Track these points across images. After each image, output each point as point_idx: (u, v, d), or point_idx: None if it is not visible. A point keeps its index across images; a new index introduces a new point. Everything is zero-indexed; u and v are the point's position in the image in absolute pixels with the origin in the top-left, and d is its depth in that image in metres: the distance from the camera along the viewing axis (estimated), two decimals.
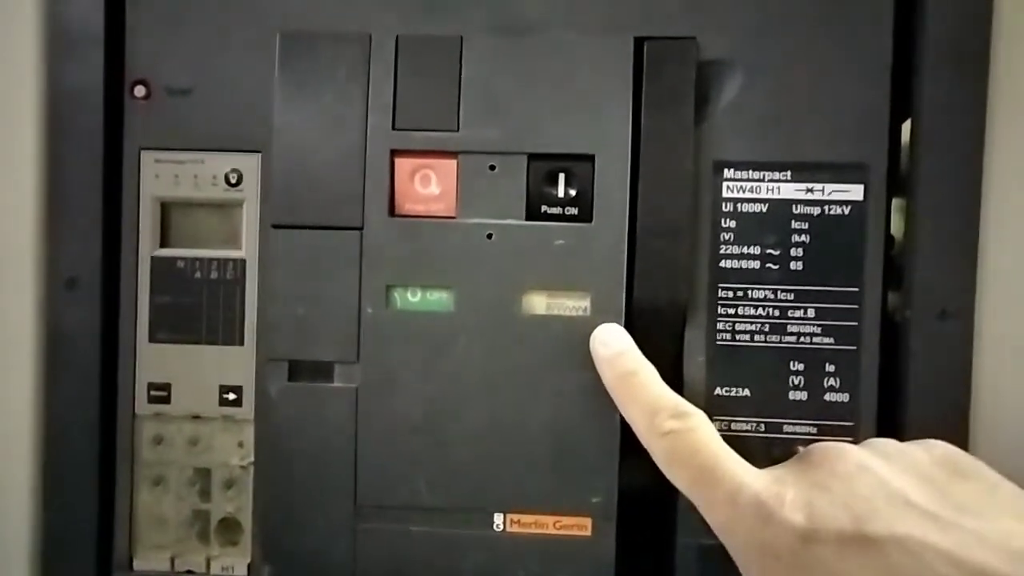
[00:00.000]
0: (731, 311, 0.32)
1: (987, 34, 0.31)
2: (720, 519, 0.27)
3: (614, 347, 0.31)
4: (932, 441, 0.28)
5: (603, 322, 0.31)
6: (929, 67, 0.31)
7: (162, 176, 0.34)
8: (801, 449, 0.30)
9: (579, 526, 0.32)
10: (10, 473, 0.34)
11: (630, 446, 0.32)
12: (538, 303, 0.32)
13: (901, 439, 0.31)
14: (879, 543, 0.23)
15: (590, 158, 0.32)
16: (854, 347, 0.32)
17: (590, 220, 0.32)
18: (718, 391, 0.32)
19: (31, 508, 0.34)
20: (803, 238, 0.32)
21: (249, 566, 0.35)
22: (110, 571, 0.35)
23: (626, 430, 0.31)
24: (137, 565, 0.35)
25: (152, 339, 0.35)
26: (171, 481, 0.35)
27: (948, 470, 0.26)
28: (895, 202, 0.33)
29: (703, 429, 0.28)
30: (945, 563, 0.23)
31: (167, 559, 0.35)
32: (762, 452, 0.32)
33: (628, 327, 0.31)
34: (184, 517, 0.35)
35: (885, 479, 0.25)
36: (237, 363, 0.35)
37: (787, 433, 0.32)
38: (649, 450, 0.29)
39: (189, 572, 0.35)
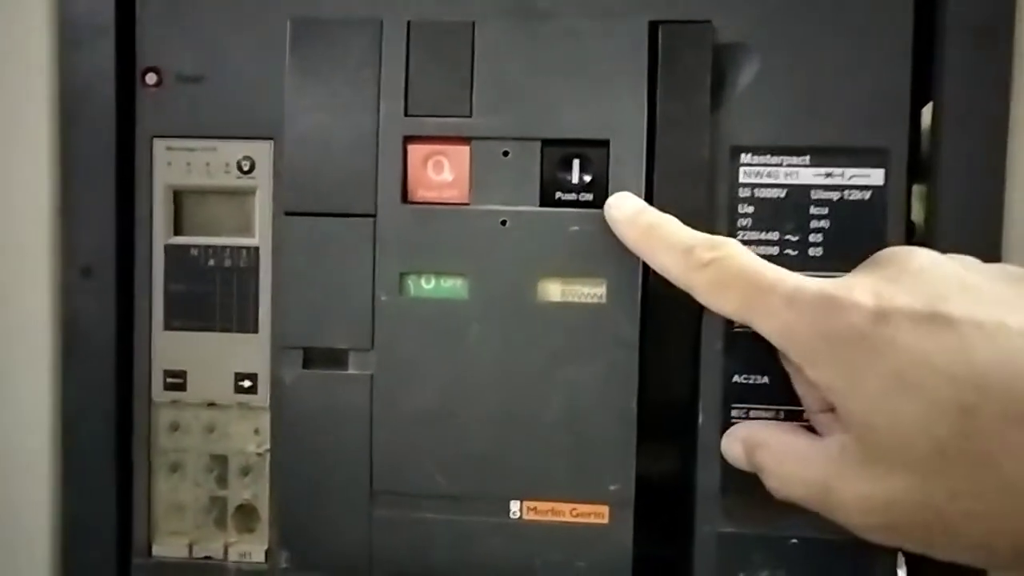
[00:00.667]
0: None
1: (1011, 16, 0.30)
2: (779, 324, 0.26)
3: (630, 207, 0.30)
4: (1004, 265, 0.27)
5: (619, 309, 0.31)
6: (951, 49, 0.31)
7: (175, 164, 0.34)
8: None
9: (596, 514, 0.32)
10: (29, 461, 0.35)
11: (647, 433, 0.32)
12: (553, 290, 0.32)
13: None
14: (955, 323, 0.23)
15: (605, 143, 0.31)
16: None
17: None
18: (736, 379, 0.32)
19: (51, 496, 0.35)
20: (822, 224, 0.32)
21: (266, 552, 0.35)
22: (129, 558, 0.35)
23: (643, 416, 0.31)
24: (156, 551, 0.36)
25: (167, 327, 0.35)
26: (188, 468, 0.35)
27: (1004, 272, 0.25)
28: (915, 189, 0.33)
29: (743, 252, 0.27)
30: (1022, 338, 0.22)
31: (185, 546, 0.35)
32: None
33: (644, 314, 0.31)
34: (201, 504, 0.35)
35: (957, 272, 0.25)
36: (252, 350, 0.35)
37: (806, 420, 0.32)
38: (690, 288, 0.28)
39: (207, 558, 0.35)
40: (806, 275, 0.31)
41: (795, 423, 0.29)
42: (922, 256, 0.26)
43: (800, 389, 0.29)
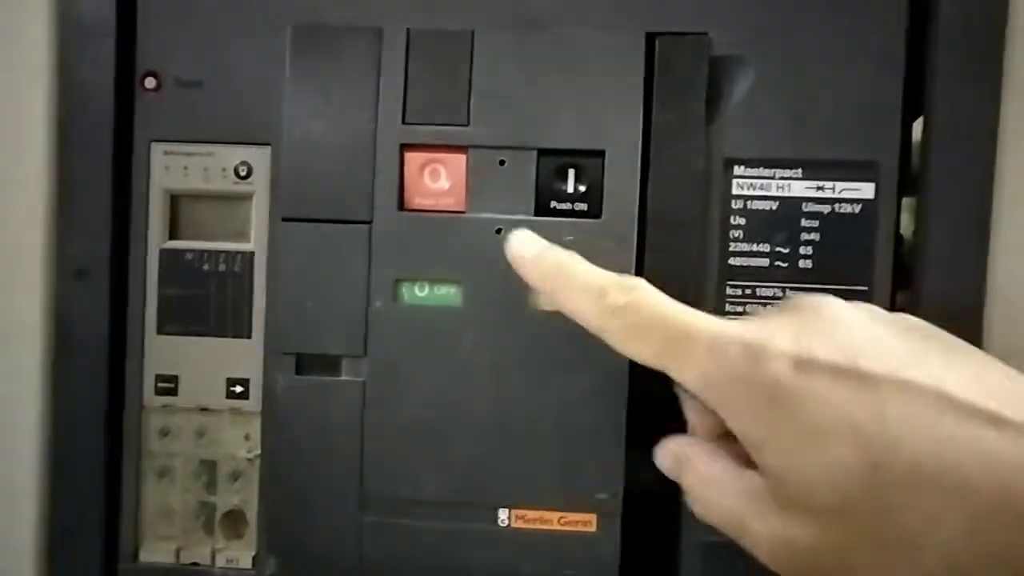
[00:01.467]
0: (740, 309, 0.32)
1: (1001, 31, 0.31)
2: (699, 374, 0.25)
3: (533, 248, 0.29)
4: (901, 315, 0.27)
5: None
6: (942, 65, 0.31)
7: (172, 168, 0.34)
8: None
9: (584, 522, 0.32)
10: (17, 464, 0.34)
11: (636, 442, 0.32)
12: (546, 299, 0.32)
13: None
14: (876, 381, 0.23)
15: (600, 154, 0.32)
16: None
17: (599, 216, 0.32)
18: None
19: (38, 499, 0.34)
20: (813, 236, 0.32)
21: (254, 558, 0.35)
22: (116, 563, 0.35)
23: (632, 426, 0.31)
24: (143, 557, 0.35)
25: (160, 331, 0.35)
26: (177, 473, 0.35)
27: (919, 331, 0.25)
28: (905, 201, 0.33)
29: (656, 294, 0.27)
30: (935, 397, 0.22)
31: (172, 551, 0.35)
32: None
33: None
34: (190, 509, 0.35)
35: (868, 325, 0.25)
36: (245, 356, 0.35)
37: None
38: (603, 333, 0.27)
39: (194, 564, 0.35)
40: (796, 288, 0.32)
41: (720, 446, 0.28)
42: (832, 306, 0.26)
43: (691, 416, 0.29)
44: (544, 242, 0.30)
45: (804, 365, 0.23)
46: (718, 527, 0.26)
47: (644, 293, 0.27)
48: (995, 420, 0.22)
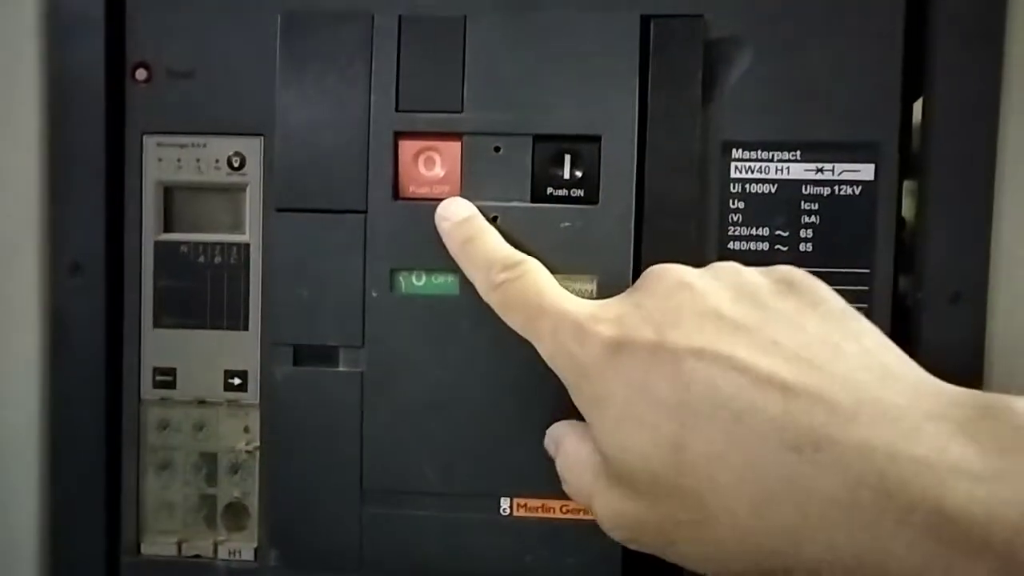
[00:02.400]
0: None
1: (1001, 10, 0.31)
2: (547, 350, 0.27)
3: (455, 217, 0.31)
4: (781, 267, 0.27)
5: None
6: (942, 44, 0.31)
7: (165, 160, 0.34)
8: None
9: (586, 510, 0.32)
10: (17, 459, 0.34)
11: None
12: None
13: None
14: (678, 353, 0.23)
15: (596, 139, 0.31)
16: None
17: (596, 202, 0.31)
18: None
19: (38, 494, 0.34)
20: (813, 219, 0.32)
21: (256, 550, 0.35)
22: (118, 556, 0.35)
23: None
24: (144, 550, 0.35)
25: (157, 324, 0.35)
26: (177, 466, 0.35)
27: (778, 287, 0.25)
28: (906, 185, 0.33)
29: (533, 273, 0.28)
30: (734, 370, 0.22)
31: (174, 544, 0.35)
32: None
33: None
34: (191, 502, 0.35)
35: (701, 294, 0.25)
36: (242, 348, 0.34)
37: None
38: (492, 305, 0.29)
39: (196, 557, 0.35)
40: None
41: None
42: (672, 277, 0.26)
43: None
44: (470, 211, 0.31)
45: (619, 346, 0.24)
46: (580, 505, 0.28)
47: (522, 271, 0.28)
48: (785, 389, 0.22)
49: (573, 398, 0.26)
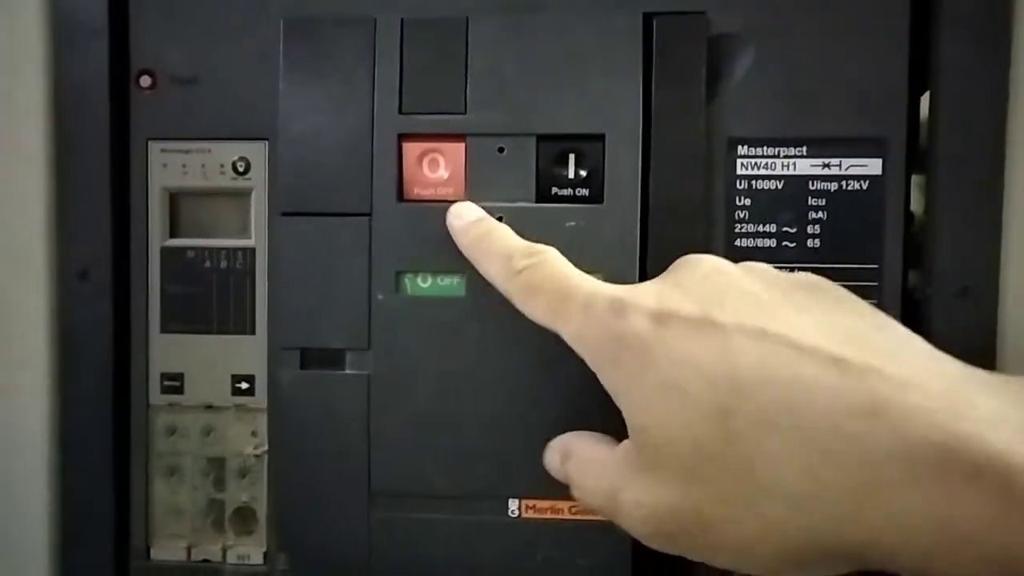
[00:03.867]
0: None
1: (1008, 4, 0.30)
2: (574, 328, 0.26)
3: (469, 216, 0.31)
4: (804, 273, 0.27)
5: None
6: (948, 37, 0.31)
7: (170, 166, 0.34)
8: None
9: (594, 512, 0.32)
10: (27, 465, 0.34)
11: None
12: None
13: None
14: (723, 328, 0.23)
15: (600, 138, 0.31)
16: None
17: (601, 201, 0.31)
18: None
19: (48, 500, 0.35)
20: (820, 215, 0.31)
21: (265, 555, 0.35)
22: (127, 561, 0.35)
23: None
24: (154, 555, 0.35)
25: (164, 329, 0.35)
26: (186, 471, 0.35)
27: (804, 286, 0.26)
28: (915, 179, 0.32)
29: (555, 259, 0.28)
30: (783, 345, 0.23)
31: (183, 549, 0.35)
32: None
33: None
34: (199, 507, 0.35)
35: (738, 278, 0.25)
36: (249, 352, 0.34)
37: None
38: (509, 295, 0.28)
39: (205, 561, 0.35)
40: (805, 269, 0.31)
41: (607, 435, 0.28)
42: (708, 263, 0.26)
43: None
44: (480, 213, 0.31)
45: (662, 318, 0.24)
46: (597, 511, 0.27)
47: (544, 258, 0.28)
48: (837, 361, 0.22)
49: (604, 377, 0.26)
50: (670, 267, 0.28)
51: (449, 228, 0.31)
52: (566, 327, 0.27)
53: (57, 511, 0.35)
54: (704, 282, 0.25)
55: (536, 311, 0.28)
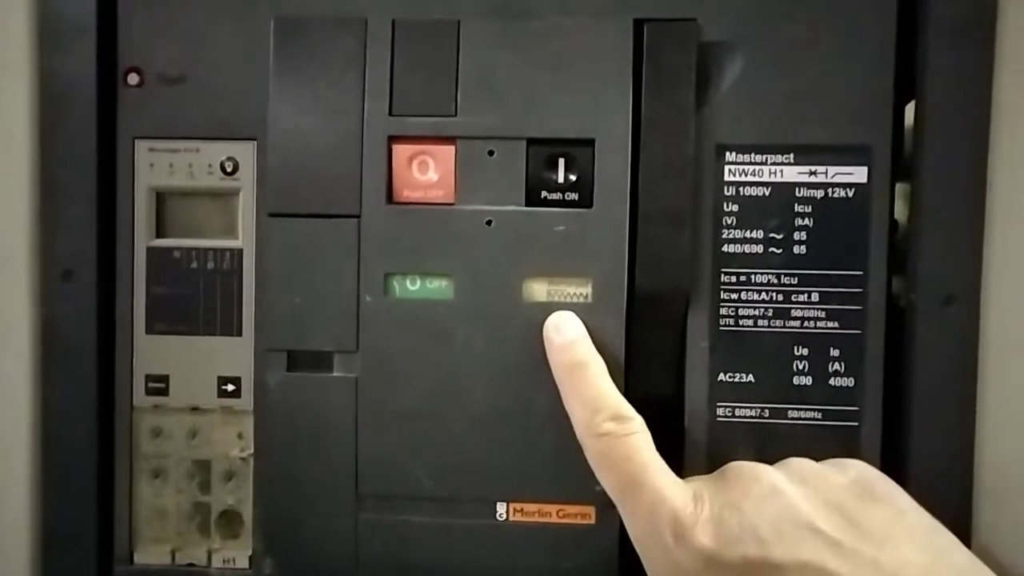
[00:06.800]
0: (734, 296, 0.32)
1: (992, 13, 0.31)
2: (638, 530, 0.28)
3: (567, 335, 0.30)
4: (848, 461, 0.29)
5: (605, 309, 0.31)
6: (934, 47, 0.31)
7: (157, 165, 0.34)
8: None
9: (582, 514, 0.32)
10: (9, 467, 0.34)
11: None
12: (539, 290, 0.32)
13: (908, 425, 0.31)
14: (781, 569, 0.25)
15: (590, 142, 0.31)
16: (859, 331, 0.32)
17: (590, 205, 0.31)
18: (721, 377, 0.32)
19: (30, 502, 0.34)
20: (806, 221, 0.32)
21: (251, 558, 0.35)
22: (111, 565, 0.35)
23: None
24: (138, 559, 0.35)
25: (149, 330, 0.34)
26: (170, 474, 0.35)
27: (859, 493, 0.27)
28: (899, 188, 0.33)
29: (639, 436, 0.28)
30: None
31: (168, 553, 0.35)
32: (766, 439, 0.32)
33: (630, 314, 0.31)
34: (184, 510, 0.35)
35: (795, 503, 0.26)
36: (235, 354, 0.34)
37: (792, 419, 0.32)
38: (583, 446, 0.29)
39: (190, 565, 0.35)
40: (791, 274, 0.32)
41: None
42: (765, 481, 0.27)
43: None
44: (579, 332, 0.30)
45: (716, 560, 0.25)
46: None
47: (628, 429, 0.28)
48: None
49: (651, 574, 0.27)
50: (723, 470, 0.29)
51: (545, 339, 0.31)
52: (630, 522, 0.28)
53: (40, 514, 0.34)
54: (761, 505, 0.26)
55: (605, 483, 0.29)
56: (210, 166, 0.34)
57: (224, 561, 0.35)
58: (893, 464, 0.31)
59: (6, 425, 0.34)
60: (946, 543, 0.26)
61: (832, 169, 0.32)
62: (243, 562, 0.35)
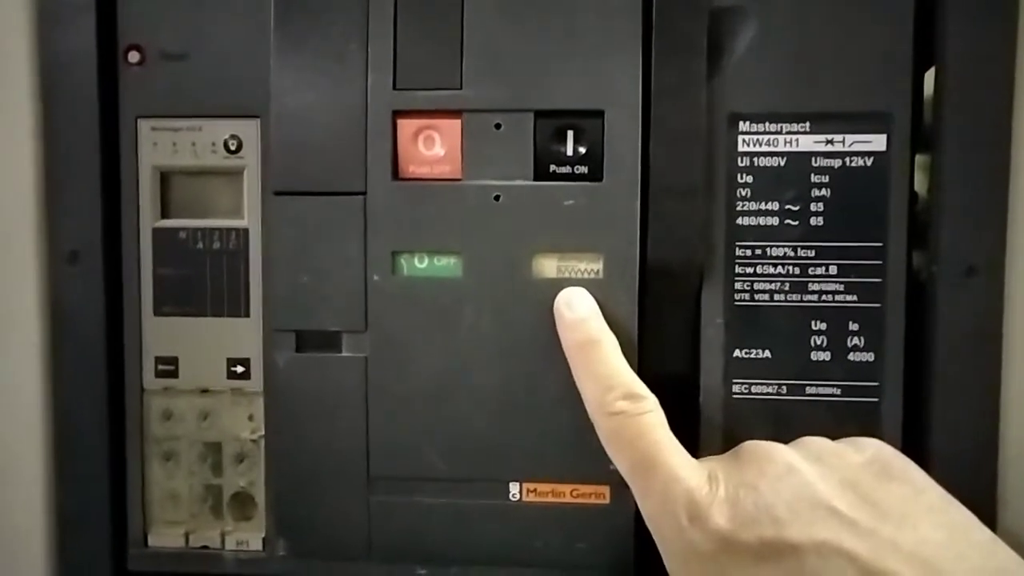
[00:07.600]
0: (749, 270, 0.31)
1: None
2: (652, 510, 0.27)
3: (579, 312, 0.30)
4: (864, 440, 0.28)
5: (617, 285, 0.31)
6: (953, 11, 0.30)
7: (160, 144, 0.34)
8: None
9: (597, 494, 0.32)
10: (21, 452, 0.34)
11: None
12: (548, 266, 0.31)
13: (929, 401, 0.30)
14: (798, 549, 0.24)
15: (599, 114, 0.31)
16: (878, 304, 0.31)
17: (601, 179, 0.31)
18: (737, 353, 0.31)
19: (44, 487, 0.34)
20: (823, 192, 0.31)
21: (264, 540, 0.35)
22: (125, 548, 0.35)
23: None
24: (152, 542, 0.35)
25: (157, 312, 0.34)
26: (182, 456, 0.35)
27: (876, 472, 0.27)
28: (919, 159, 0.32)
29: (652, 415, 0.28)
30: (857, 569, 0.24)
31: (181, 535, 0.35)
32: (783, 416, 0.31)
33: (642, 289, 0.31)
34: (196, 492, 0.35)
35: (811, 482, 0.26)
36: (244, 335, 0.34)
37: (810, 395, 0.31)
38: (595, 425, 0.29)
39: (204, 547, 0.35)
40: (808, 247, 0.31)
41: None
42: (780, 460, 0.27)
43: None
44: (591, 308, 0.30)
45: (732, 540, 0.25)
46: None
47: (641, 408, 0.28)
48: None
49: (668, 565, 0.27)
50: (737, 449, 0.28)
51: (556, 316, 0.30)
52: (643, 501, 0.28)
53: (53, 499, 0.34)
54: (777, 485, 0.26)
55: (617, 463, 0.28)
56: (214, 144, 0.33)
57: (237, 543, 0.35)
58: (914, 441, 0.31)
59: (18, 411, 0.34)
60: (964, 521, 0.26)
61: (849, 137, 0.31)
62: (256, 544, 0.34)
